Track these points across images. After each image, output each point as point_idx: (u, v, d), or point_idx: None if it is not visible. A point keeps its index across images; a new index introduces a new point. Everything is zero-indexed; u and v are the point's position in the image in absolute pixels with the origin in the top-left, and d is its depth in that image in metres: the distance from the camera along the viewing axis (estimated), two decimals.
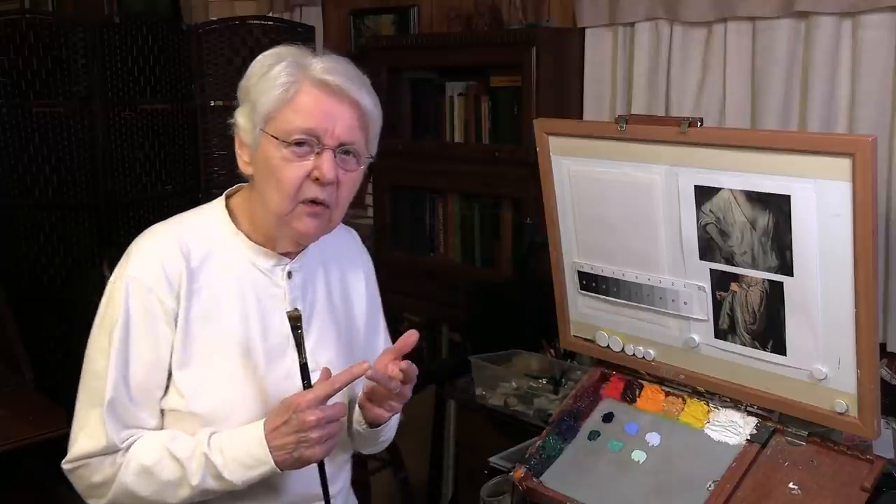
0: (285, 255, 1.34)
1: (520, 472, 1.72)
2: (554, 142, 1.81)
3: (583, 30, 2.83)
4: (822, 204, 1.44)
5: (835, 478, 1.51)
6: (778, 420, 1.63)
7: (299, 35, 3.63)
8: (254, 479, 1.22)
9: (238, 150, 1.31)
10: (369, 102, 1.27)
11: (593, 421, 1.81)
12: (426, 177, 3.20)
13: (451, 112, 3.16)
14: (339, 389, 1.22)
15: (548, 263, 1.94)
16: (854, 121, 2.27)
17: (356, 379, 1.23)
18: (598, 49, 2.81)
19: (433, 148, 3.20)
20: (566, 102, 2.86)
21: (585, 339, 1.94)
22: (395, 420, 1.48)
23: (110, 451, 1.25)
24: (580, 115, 2.87)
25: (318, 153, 1.23)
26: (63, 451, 1.30)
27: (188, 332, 1.26)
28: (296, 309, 1.24)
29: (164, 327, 1.25)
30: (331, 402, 1.23)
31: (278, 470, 1.21)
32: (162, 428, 1.29)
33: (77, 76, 3.17)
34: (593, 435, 1.78)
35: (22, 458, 2.47)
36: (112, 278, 1.29)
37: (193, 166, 3.54)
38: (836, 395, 1.53)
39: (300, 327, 1.22)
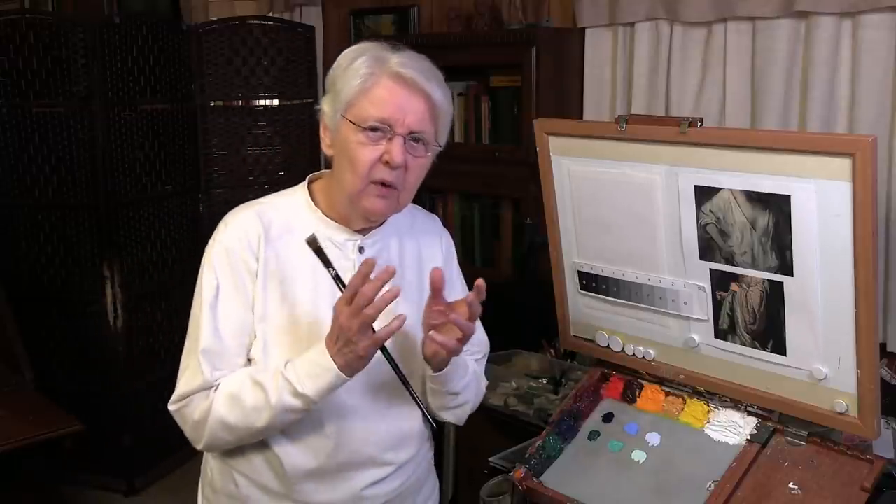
0: (360, 232, 1.45)
1: (520, 472, 1.72)
2: (554, 142, 1.81)
3: (583, 30, 2.83)
4: (822, 204, 1.44)
5: (835, 478, 1.51)
6: (778, 420, 1.64)
7: (299, 35, 3.63)
8: (324, 387, 1.31)
9: (322, 134, 1.44)
10: (440, 96, 1.37)
11: (593, 421, 1.82)
12: (426, 177, 3.19)
13: None
14: (359, 285, 1.26)
15: (548, 263, 1.94)
16: (854, 121, 2.27)
17: (384, 283, 1.26)
18: (598, 49, 2.81)
19: None
20: (566, 102, 2.86)
21: (585, 339, 1.94)
22: (470, 377, 1.51)
23: (206, 387, 1.38)
24: (580, 115, 2.87)
25: (389, 139, 1.34)
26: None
27: (266, 290, 1.40)
28: (311, 234, 1.33)
29: (248, 284, 1.40)
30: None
31: (343, 375, 1.30)
32: None
33: (77, 76, 3.16)
34: (593, 435, 1.78)
35: (22, 458, 2.47)
36: (208, 245, 1.44)
37: (193, 166, 3.53)
38: (836, 395, 1.53)
39: (320, 247, 1.32)
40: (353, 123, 1.34)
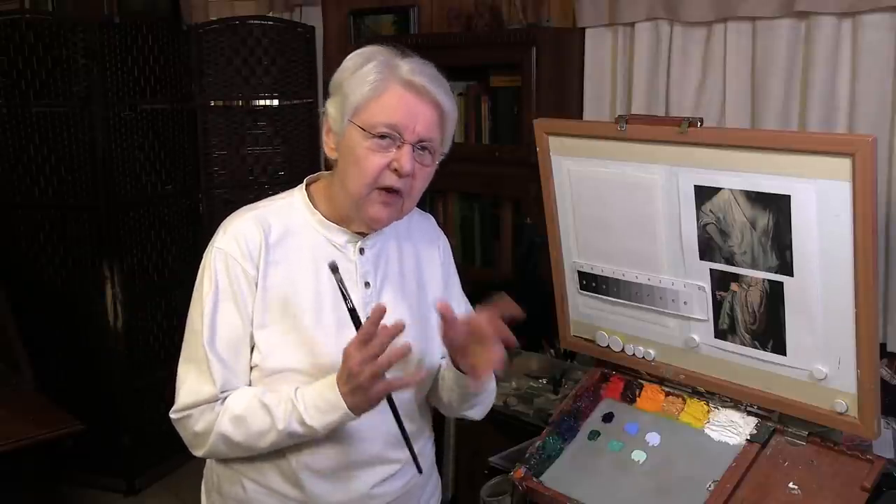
0: (359, 233, 1.45)
1: (520, 472, 1.72)
2: (554, 142, 1.81)
3: (583, 30, 2.83)
4: (823, 204, 1.44)
5: (835, 478, 1.51)
6: (778, 420, 1.64)
7: (299, 35, 3.63)
8: (332, 423, 1.32)
9: (325, 137, 1.43)
10: (448, 104, 1.37)
11: (593, 421, 1.82)
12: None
13: None
14: (372, 332, 1.27)
15: (548, 263, 1.94)
16: (854, 121, 2.27)
17: (380, 319, 1.27)
18: (598, 49, 2.81)
19: None
20: (566, 102, 2.86)
21: (585, 339, 1.94)
22: (492, 386, 1.53)
23: (211, 400, 1.37)
24: (580, 115, 2.87)
25: (398, 146, 1.34)
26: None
27: (265, 297, 1.39)
28: (333, 261, 1.32)
29: (246, 292, 1.38)
30: (399, 343, 1.28)
31: (352, 414, 1.31)
32: (250, 381, 1.41)
33: (77, 76, 3.16)
34: (593, 435, 1.78)
35: (22, 458, 2.47)
36: (206, 251, 1.42)
37: (193, 166, 3.53)
38: (836, 395, 1.53)
39: (339, 276, 1.31)
40: (363, 129, 1.33)
